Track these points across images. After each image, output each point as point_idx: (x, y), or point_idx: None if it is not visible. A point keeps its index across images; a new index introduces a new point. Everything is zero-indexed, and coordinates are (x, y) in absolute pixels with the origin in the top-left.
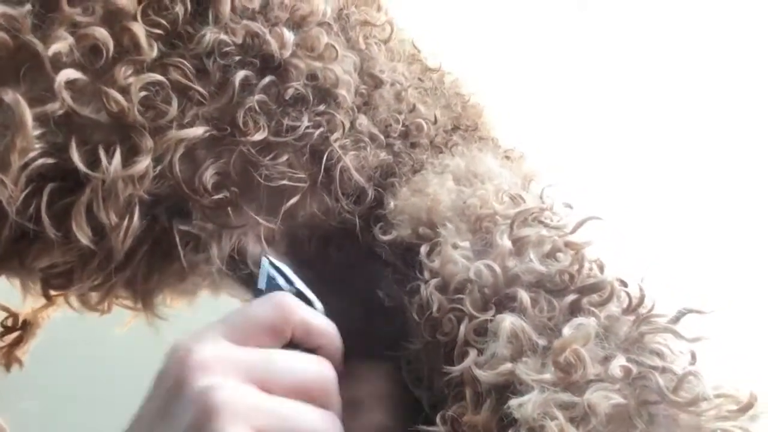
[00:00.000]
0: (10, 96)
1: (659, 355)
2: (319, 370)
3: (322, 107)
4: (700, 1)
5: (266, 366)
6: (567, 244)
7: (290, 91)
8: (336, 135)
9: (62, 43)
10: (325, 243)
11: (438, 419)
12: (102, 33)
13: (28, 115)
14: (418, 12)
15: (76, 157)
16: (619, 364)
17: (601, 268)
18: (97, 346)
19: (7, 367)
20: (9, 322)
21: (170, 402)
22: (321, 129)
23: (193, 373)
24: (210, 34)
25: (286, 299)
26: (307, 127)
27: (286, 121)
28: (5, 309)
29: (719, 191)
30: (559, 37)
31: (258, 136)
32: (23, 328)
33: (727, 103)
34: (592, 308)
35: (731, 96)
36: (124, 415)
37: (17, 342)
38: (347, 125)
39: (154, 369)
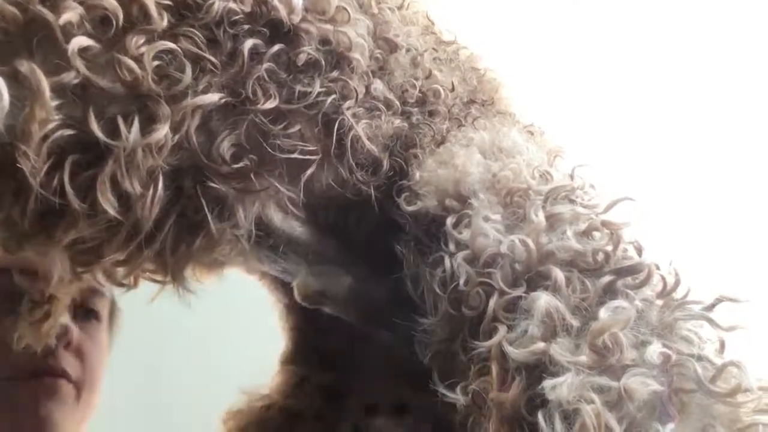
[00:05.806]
0: (25, 66)
1: (689, 342)
2: None
3: (335, 73)
4: None
5: None
6: (604, 224)
7: (302, 57)
8: (349, 103)
9: (72, 13)
10: (345, 212)
11: (458, 391)
12: (111, 3)
13: (45, 83)
14: None
15: (95, 126)
16: (657, 350)
17: (639, 251)
18: None
19: (39, 342)
20: (36, 297)
21: None
22: (333, 96)
23: None
24: (218, 3)
25: None
26: (319, 94)
27: (297, 87)
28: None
29: (712, 186)
30: (552, 30)
31: (269, 105)
32: (50, 302)
33: (720, 96)
34: (628, 291)
35: (724, 89)
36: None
37: (45, 317)
38: (362, 91)
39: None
